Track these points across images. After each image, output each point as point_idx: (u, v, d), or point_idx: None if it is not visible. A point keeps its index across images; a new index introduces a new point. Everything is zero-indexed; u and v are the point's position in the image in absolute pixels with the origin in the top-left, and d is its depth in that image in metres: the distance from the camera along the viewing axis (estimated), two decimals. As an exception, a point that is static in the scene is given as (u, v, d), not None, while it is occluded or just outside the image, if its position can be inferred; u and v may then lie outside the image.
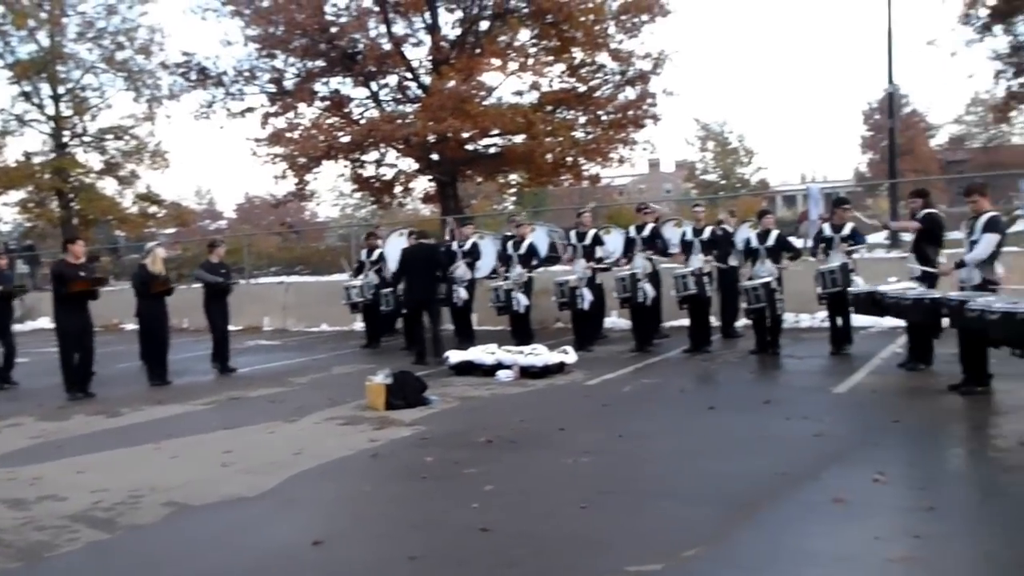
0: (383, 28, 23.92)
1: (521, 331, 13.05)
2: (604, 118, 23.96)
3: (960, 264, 8.36)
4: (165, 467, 7.16)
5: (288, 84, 24.71)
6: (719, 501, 5.50)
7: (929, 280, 9.09)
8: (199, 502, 6.04)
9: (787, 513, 5.26)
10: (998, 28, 20.00)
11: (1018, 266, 11.44)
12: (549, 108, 23.76)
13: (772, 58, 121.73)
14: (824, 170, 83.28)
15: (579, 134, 24.09)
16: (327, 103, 24.91)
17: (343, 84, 25.09)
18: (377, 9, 23.61)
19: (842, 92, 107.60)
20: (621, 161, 25.05)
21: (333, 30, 23.46)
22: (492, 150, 24.38)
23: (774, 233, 11.29)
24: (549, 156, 23.04)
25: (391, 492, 6.24)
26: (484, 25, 23.98)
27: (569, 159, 23.81)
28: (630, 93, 23.81)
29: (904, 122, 59.82)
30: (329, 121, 24.49)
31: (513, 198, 52.10)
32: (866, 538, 4.73)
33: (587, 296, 12.37)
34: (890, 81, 18.23)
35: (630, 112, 23.55)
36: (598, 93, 24.01)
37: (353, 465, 7.03)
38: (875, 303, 9.31)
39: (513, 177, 27.14)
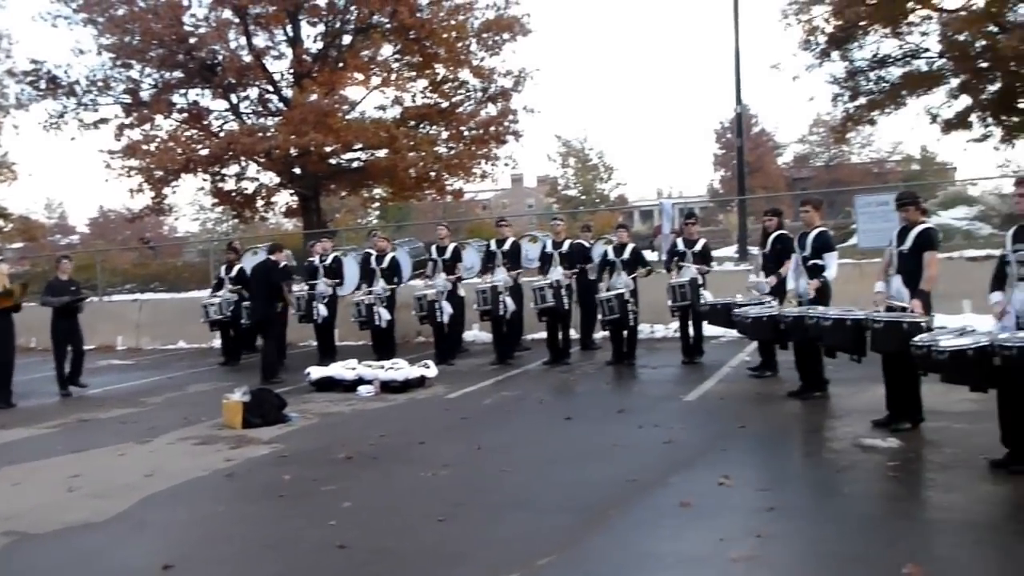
0: (243, 40, 23.35)
1: (383, 346, 12.94)
2: (466, 134, 24.11)
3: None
4: (7, 495, 6.75)
5: (144, 95, 23.73)
6: (573, 509, 5.61)
7: (778, 294, 9.49)
8: (42, 530, 5.72)
9: (637, 518, 5.40)
10: (836, 54, 21.23)
11: (852, 277, 12.15)
12: (412, 123, 23.73)
13: (631, 78, 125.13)
14: (680, 186, 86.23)
15: (442, 149, 24.13)
16: (185, 115, 24.06)
17: (202, 96, 24.34)
18: (237, 21, 23.02)
19: (696, 111, 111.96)
20: (484, 176, 25.27)
21: (192, 41, 22.73)
22: (355, 164, 24.14)
23: (630, 247, 11.60)
24: (412, 171, 22.95)
25: (246, 512, 6.07)
26: (347, 39, 23.74)
27: (432, 174, 23.82)
28: (492, 110, 24.06)
29: (753, 141, 62.72)
30: (187, 134, 23.68)
31: (377, 212, 51.78)
32: (711, 539, 4.91)
33: (447, 309, 12.39)
34: (738, 102, 19.08)
35: (492, 128, 23.76)
36: (460, 109, 24.16)
37: (207, 486, 6.81)
38: (726, 317, 9.69)
39: (377, 191, 26.93)
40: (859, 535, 4.97)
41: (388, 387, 10.42)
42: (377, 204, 32.32)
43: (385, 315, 12.89)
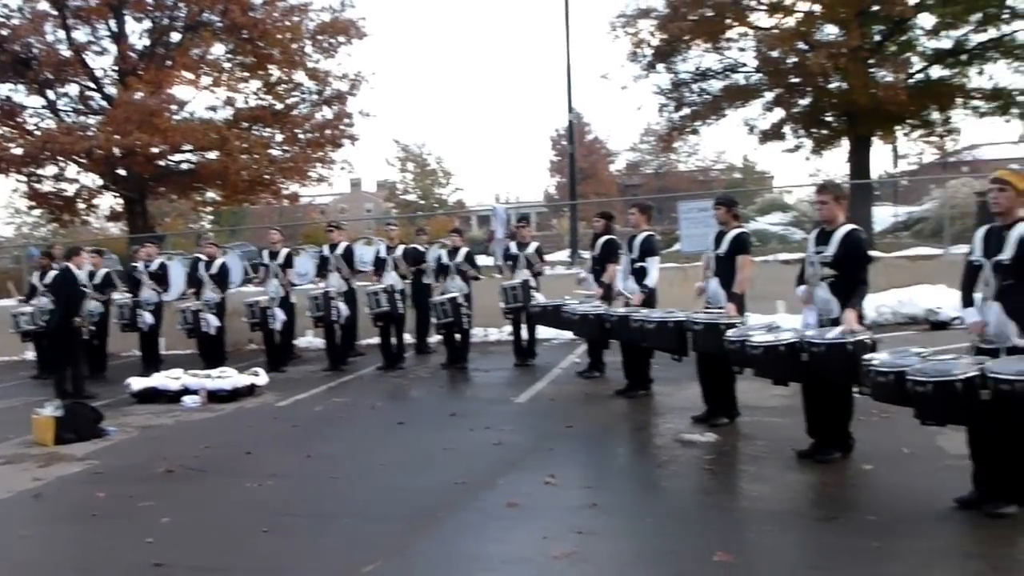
0: (62, 33, 21.98)
1: (211, 354, 12.42)
2: (301, 137, 23.63)
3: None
4: None
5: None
6: (401, 515, 5.56)
7: (605, 298, 9.73)
8: None
9: (464, 521, 5.41)
10: (661, 66, 22.08)
11: (676, 280, 12.66)
12: (245, 125, 23.00)
13: (470, 85, 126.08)
14: (517, 191, 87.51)
15: (276, 152, 23.55)
16: (-3, 111, 22.38)
17: (15, 91, 22.72)
18: (55, 13, 21.64)
19: (533, 119, 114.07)
20: (320, 180, 24.86)
21: (4, 32, 21.20)
22: (184, 166, 23.18)
23: (463, 251, 11.63)
24: (245, 173, 22.28)
25: (56, 534, 5.70)
26: (176, 37, 22.76)
27: (266, 177, 23.20)
28: (327, 113, 23.66)
29: (587, 148, 64.40)
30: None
31: (210, 216, 49.90)
32: (535, 538, 4.98)
33: (279, 316, 12.04)
34: (570, 110, 19.55)
35: (328, 131, 23.38)
36: (295, 112, 23.63)
37: (11, 508, 6.34)
38: (557, 317, 9.87)
39: (209, 195, 25.92)
40: (675, 527, 5.16)
41: (215, 397, 10.02)
42: (210, 208, 31.21)
43: (214, 322, 12.39)
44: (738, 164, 63.65)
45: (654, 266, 8.84)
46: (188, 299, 12.79)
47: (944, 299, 12.96)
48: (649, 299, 8.81)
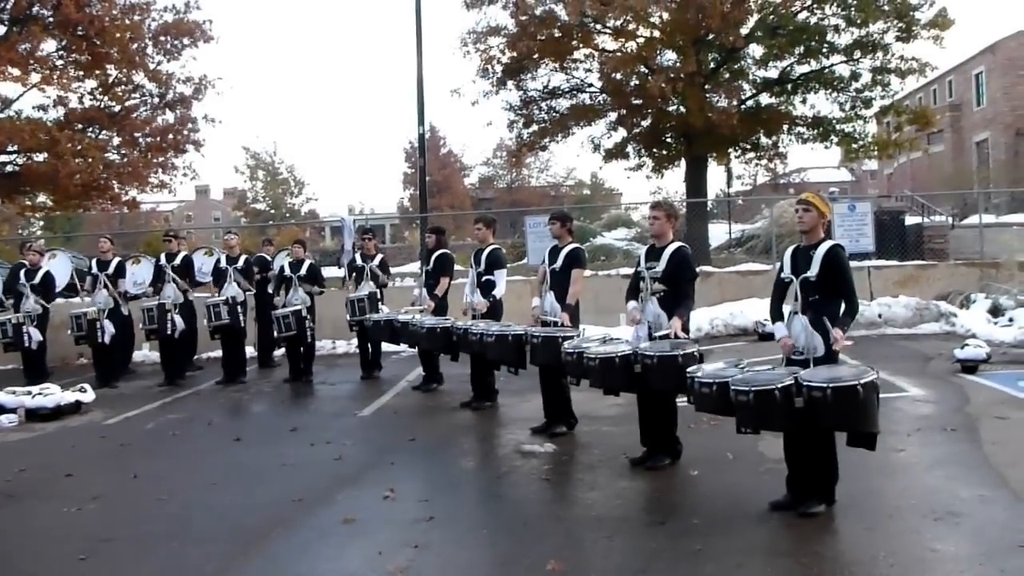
0: None
1: (34, 369, 11.59)
2: (142, 141, 22.52)
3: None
4: None
5: None
6: (231, 535, 5.35)
7: (438, 312, 9.72)
8: None
9: (298, 539, 5.25)
10: (511, 83, 22.32)
11: (524, 293, 12.79)
12: (79, 127, 21.69)
13: (325, 94, 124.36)
14: (372, 202, 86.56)
15: (113, 156, 22.35)
16: None
17: None
18: None
19: (389, 130, 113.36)
20: (162, 186, 23.70)
21: None
22: (9, 168, 21.67)
23: (307, 262, 11.37)
24: (78, 177, 20.96)
25: None
26: (1, 30, 21.29)
27: (101, 181, 21.97)
28: (169, 117, 22.66)
29: (441, 161, 64.55)
30: None
31: (41, 222, 47.03)
32: (370, 554, 4.89)
33: (108, 328, 11.35)
34: (421, 123, 19.31)
35: (170, 136, 22.38)
36: (135, 115, 22.45)
37: None
38: (392, 330, 9.78)
39: (41, 199, 24.33)
40: (510, 538, 5.18)
41: (36, 415, 9.34)
42: (40, 213, 29.36)
43: (36, 336, 11.58)
44: (587, 181, 65.26)
45: (501, 278, 8.89)
46: (7, 310, 11.90)
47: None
48: (495, 310, 8.85)
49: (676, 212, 7.00)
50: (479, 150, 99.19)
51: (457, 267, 10.36)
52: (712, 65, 21.25)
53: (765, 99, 22.05)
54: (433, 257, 9.96)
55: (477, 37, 21.21)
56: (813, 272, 5.29)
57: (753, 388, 5.07)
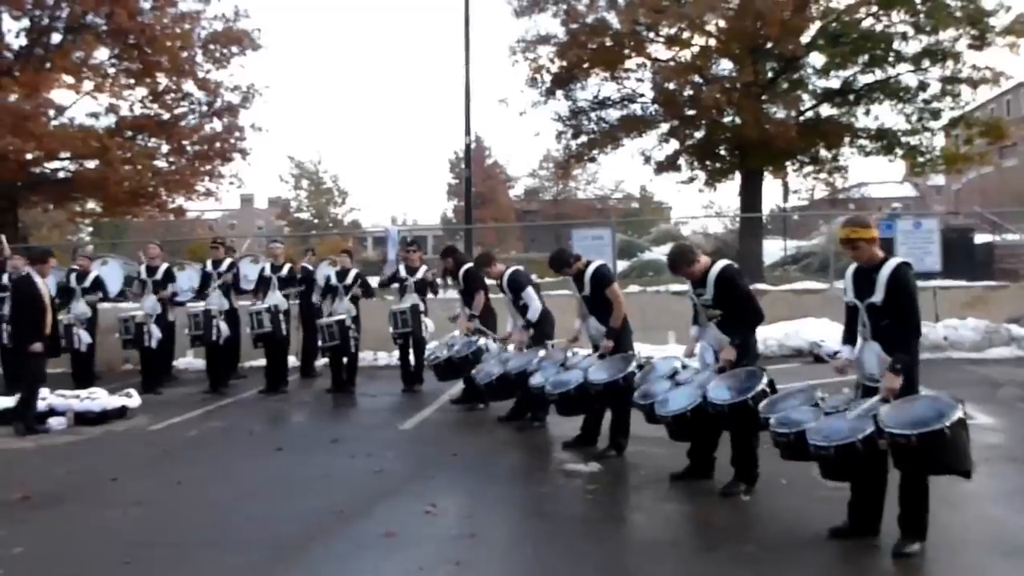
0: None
1: (82, 373, 11.91)
2: (189, 149, 23.00)
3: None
4: None
5: None
6: (270, 545, 5.43)
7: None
8: None
9: (336, 551, 5.32)
10: (560, 93, 22.41)
11: (569, 308, 12.75)
12: (128, 134, 22.27)
13: (369, 104, 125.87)
14: (415, 214, 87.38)
15: (161, 164, 22.88)
16: None
17: None
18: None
19: (433, 140, 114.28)
20: (208, 194, 24.24)
21: None
22: (61, 174, 22.29)
23: (352, 272, 11.49)
24: (126, 184, 21.49)
25: None
26: (57, 38, 21.95)
27: (149, 189, 22.50)
28: (217, 125, 23.14)
29: (485, 172, 64.76)
30: None
31: (89, 228, 48.04)
32: (410, 569, 4.95)
33: (155, 333, 11.62)
34: (467, 133, 19.54)
35: (217, 144, 22.87)
36: (183, 123, 22.99)
37: None
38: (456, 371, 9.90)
39: (89, 206, 24.97)
40: (554, 557, 5.19)
41: (83, 419, 9.58)
42: (88, 220, 30.09)
43: (85, 338, 11.91)
44: (636, 194, 65.00)
45: (532, 297, 8.88)
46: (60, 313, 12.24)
47: (828, 332, 13.46)
48: (539, 333, 8.88)
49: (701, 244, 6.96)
50: (525, 161, 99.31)
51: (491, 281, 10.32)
52: (770, 75, 21.07)
53: (826, 110, 21.77)
54: (461, 275, 10.07)
55: (527, 46, 21.34)
56: (878, 297, 5.08)
57: (834, 444, 4.95)
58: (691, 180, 23.21)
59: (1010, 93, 45.32)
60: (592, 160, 23.98)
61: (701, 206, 50.92)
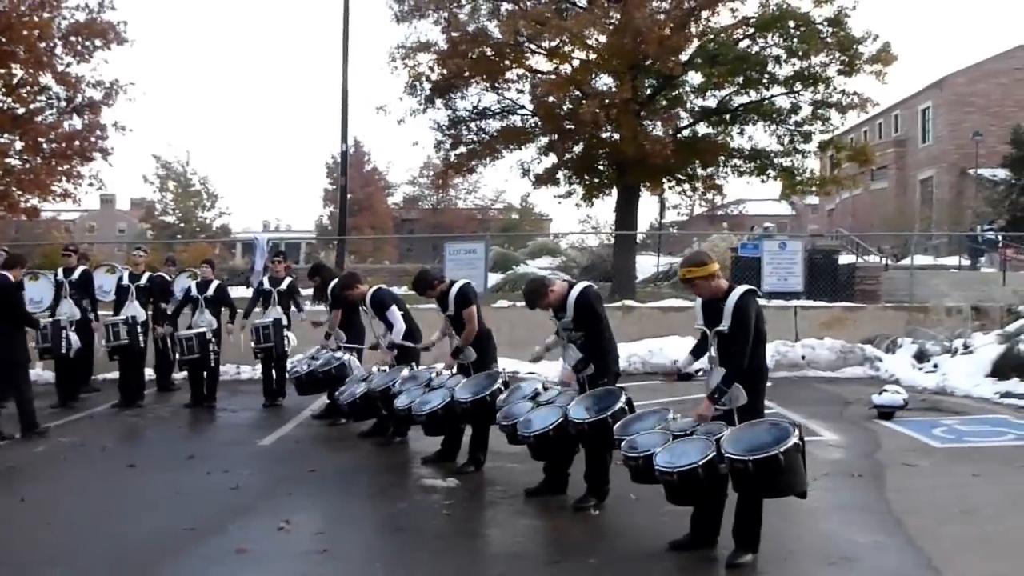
0: None
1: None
2: (46, 147, 22.27)
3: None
4: None
5: None
6: (115, 564, 5.56)
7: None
8: None
9: (187, 569, 5.50)
10: (440, 102, 22.66)
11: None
12: (-21, 128, 21.46)
13: (245, 103, 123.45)
14: (290, 219, 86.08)
15: (14, 161, 22.10)
16: None
17: None
18: None
19: (310, 144, 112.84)
20: (66, 195, 23.42)
21: None
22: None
23: (215, 283, 11.51)
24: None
25: None
26: None
27: (0, 188, 21.72)
28: (76, 122, 22.47)
29: (364, 179, 64.50)
30: None
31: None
32: (260, 586, 5.14)
33: (75, 342, 11.30)
34: (344, 140, 19.65)
35: (76, 143, 22.18)
36: (39, 118, 22.22)
37: None
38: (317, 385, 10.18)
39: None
40: (403, 571, 5.48)
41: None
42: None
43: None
44: (517, 204, 65.86)
45: (396, 316, 9.08)
46: None
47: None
48: (404, 353, 9.14)
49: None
50: (405, 168, 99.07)
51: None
52: (649, 92, 21.87)
53: (703, 129, 22.71)
54: (330, 292, 10.34)
55: (406, 52, 21.50)
56: (725, 325, 5.51)
57: (676, 469, 5.37)
58: (569, 195, 23.82)
59: (881, 116, 47.90)
60: (472, 171, 24.31)
61: (578, 220, 52.03)
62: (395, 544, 6.09)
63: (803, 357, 13.91)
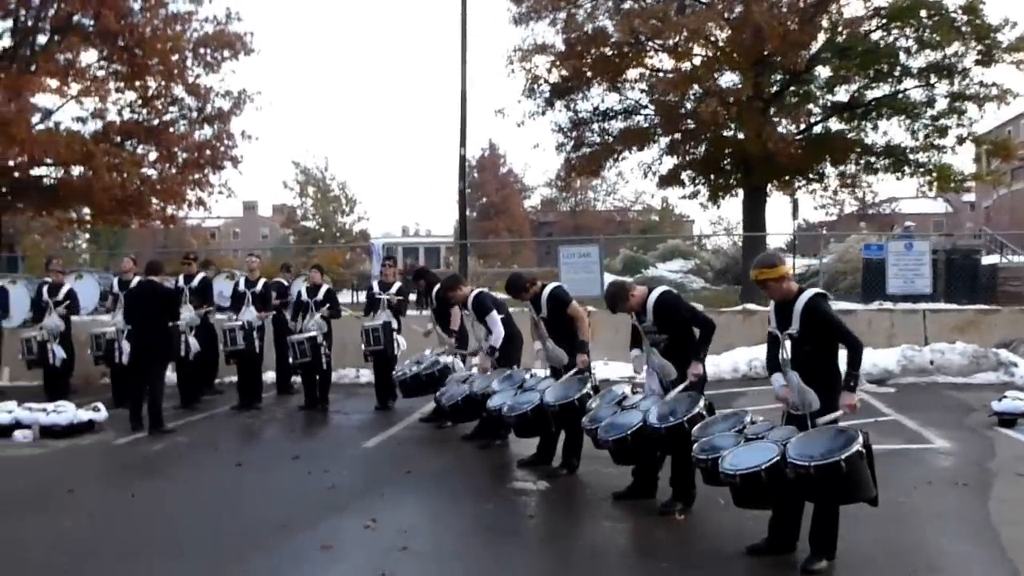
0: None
1: (56, 387, 12.51)
2: (179, 156, 23.69)
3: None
4: None
5: None
6: (208, 555, 6.00)
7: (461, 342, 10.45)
8: None
9: (273, 562, 5.89)
10: (560, 104, 22.91)
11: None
12: (117, 140, 23.00)
13: (385, 108, 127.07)
14: (430, 223, 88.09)
15: (150, 171, 23.60)
16: None
17: None
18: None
19: (447, 147, 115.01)
20: (200, 203, 24.85)
21: None
22: (46, 181, 23.02)
23: (324, 288, 12.06)
24: (118, 191, 22.18)
25: None
26: (43, 39, 22.73)
27: (140, 196, 23.19)
28: (207, 132, 23.83)
29: (500, 181, 65.44)
30: None
31: (87, 235, 48.88)
32: (337, 580, 5.49)
33: (126, 349, 12.09)
34: (462, 144, 20.00)
35: (207, 152, 23.53)
36: (172, 129, 23.69)
37: None
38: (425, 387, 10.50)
39: (84, 212, 25.67)
40: (477, 568, 5.73)
41: (50, 432, 10.19)
42: (82, 226, 30.88)
43: (59, 353, 12.54)
44: (656, 206, 65.24)
45: (494, 321, 9.24)
46: (32, 327, 12.89)
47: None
48: (504, 356, 9.35)
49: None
50: (543, 171, 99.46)
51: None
52: (775, 88, 21.53)
53: (835, 125, 22.24)
54: (435, 295, 10.67)
55: (523, 55, 21.85)
56: (795, 328, 5.62)
57: (739, 472, 5.48)
58: (694, 195, 23.69)
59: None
60: (594, 173, 24.43)
61: (709, 222, 51.50)
62: (475, 543, 6.35)
63: (931, 362, 13.43)
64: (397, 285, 11.90)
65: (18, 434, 10.17)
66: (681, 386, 6.79)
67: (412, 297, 12.77)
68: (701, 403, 6.58)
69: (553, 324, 8.30)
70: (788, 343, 5.72)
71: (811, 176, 22.49)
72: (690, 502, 6.79)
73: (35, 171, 22.77)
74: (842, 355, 5.67)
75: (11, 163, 21.00)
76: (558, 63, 21.51)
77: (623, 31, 20.15)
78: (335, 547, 6.10)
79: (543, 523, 6.87)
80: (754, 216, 22.18)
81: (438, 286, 10.67)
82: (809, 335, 5.59)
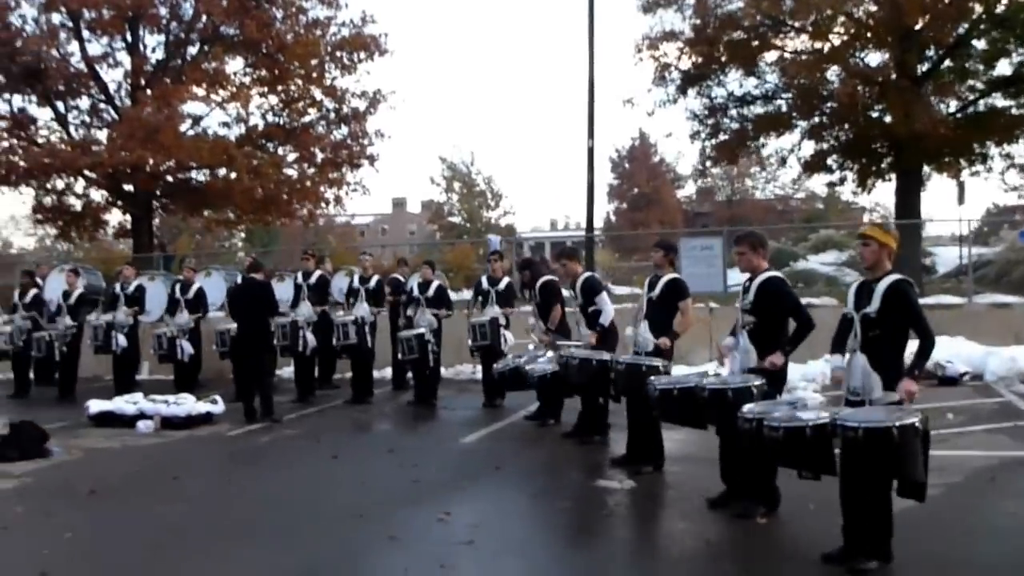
0: (76, 45, 23.46)
1: (185, 381, 13.44)
2: (319, 156, 24.78)
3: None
4: None
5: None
6: (282, 540, 6.41)
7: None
8: None
9: (342, 550, 6.23)
10: (692, 91, 22.63)
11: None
12: (261, 142, 24.33)
13: (527, 103, 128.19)
14: (577, 216, 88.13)
15: (291, 172, 24.77)
16: (7, 122, 23.85)
17: (29, 102, 24.04)
18: (70, 24, 23.12)
19: (600, 138, 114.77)
20: (337, 202, 25.96)
21: (17, 43, 22.54)
22: (193, 184, 24.50)
23: (434, 284, 12.45)
24: (259, 192, 23.47)
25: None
26: (193, 50, 24.21)
27: (284, 197, 24.40)
28: (343, 131, 24.80)
29: (651, 171, 64.75)
30: (8, 142, 23.48)
31: (242, 235, 51.46)
32: (396, 569, 5.78)
33: (187, 348, 12.96)
34: (590, 136, 20.02)
35: (344, 151, 24.51)
36: (311, 130, 24.77)
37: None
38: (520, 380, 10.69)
39: (230, 214, 27.16)
40: (538, 564, 5.91)
41: (169, 423, 10.99)
42: (225, 226, 32.63)
43: (188, 348, 13.45)
44: (821, 193, 63.03)
45: (604, 301, 9.40)
46: (164, 324, 13.88)
47: (959, 352, 13.36)
48: (606, 339, 9.46)
49: (763, 242, 7.20)
50: (695, 160, 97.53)
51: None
52: (927, 65, 20.61)
53: (1000, 102, 21.07)
54: (538, 288, 10.83)
55: (652, 43, 21.71)
56: (873, 308, 5.54)
57: (783, 425, 5.52)
58: (842, 181, 22.95)
59: None
60: (732, 161, 24.00)
61: (867, 208, 49.43)
62: (540, 540, 6.51)
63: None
64: (506, 281, 12.16)
65: (141, 424, 11.02)
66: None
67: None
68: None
69: (658, 308, 8.22)
70: (859, 327, 5.65)
71: (973, 157, 21.39)
72: (774, 505, 6.71)
73: (183, 175, 24.21)
74: (911, 347, 5.58)
75: (161, 168, 22.42)
76: (687, 50, 21.30)
77: (752, 12, 19.73)
78: (402, 538, 6.36)
79: (618, 523, 6.97)
80: (908, 200, 21.10)
81: (545, 278, 10.87)
82: (885, 317, 5.53)
